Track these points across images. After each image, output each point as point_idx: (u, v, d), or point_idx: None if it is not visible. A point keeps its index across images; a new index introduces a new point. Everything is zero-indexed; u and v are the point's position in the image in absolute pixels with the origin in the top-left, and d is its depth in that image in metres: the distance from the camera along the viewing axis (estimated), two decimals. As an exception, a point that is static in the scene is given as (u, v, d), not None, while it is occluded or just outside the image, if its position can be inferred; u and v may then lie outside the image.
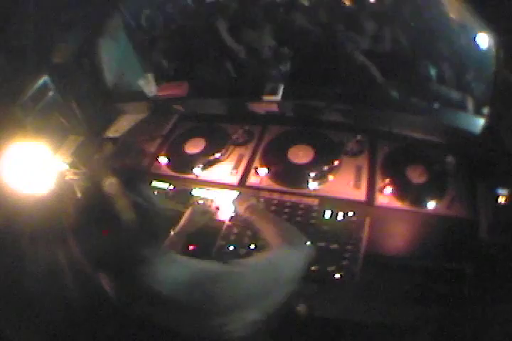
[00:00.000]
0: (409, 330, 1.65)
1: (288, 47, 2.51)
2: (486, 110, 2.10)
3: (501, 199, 1.52)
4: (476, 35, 2.38)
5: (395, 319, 1.53)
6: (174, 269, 0.96)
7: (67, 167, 1.99)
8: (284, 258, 1.11)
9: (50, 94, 2.02)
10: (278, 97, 2.01)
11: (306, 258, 1.16)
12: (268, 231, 1.31)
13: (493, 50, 1.53)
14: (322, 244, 1.53)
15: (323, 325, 1.45)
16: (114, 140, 2.21)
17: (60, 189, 1.95)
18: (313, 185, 1.75)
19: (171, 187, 1.88)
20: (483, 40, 2.47)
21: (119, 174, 0.98)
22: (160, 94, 2.24)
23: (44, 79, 1.98)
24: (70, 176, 2.01)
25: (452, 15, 2.62)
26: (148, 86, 2.20)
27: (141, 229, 0.91)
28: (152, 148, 2.10)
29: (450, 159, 1.77)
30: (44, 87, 1.99)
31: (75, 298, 1.18)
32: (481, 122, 1.83)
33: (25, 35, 1.93)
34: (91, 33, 2.28)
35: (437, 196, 1.66)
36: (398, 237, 1.59)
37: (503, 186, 1.53)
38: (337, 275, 1.43)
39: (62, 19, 2.07)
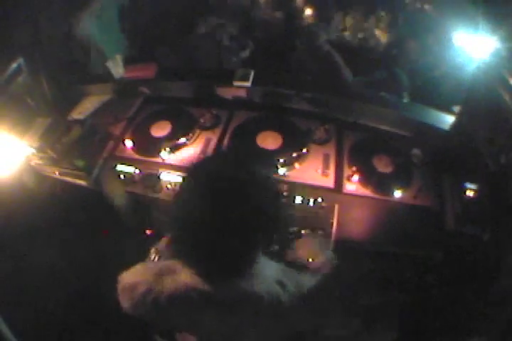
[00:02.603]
0: (377, 314, 1.67)
1: (259, 35, 2.48)
2: (456, 108, 2.13)
3: (469, 193, 1.59)
4: (452, 33, 2.42)
5: (363, 303, 1.57)
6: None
7: (33, 151, 1.88)
8: None
9: (23, 76, 1.92)
10: (248, 83, 1.99)
11: None
12: None
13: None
14: (294, 229, 1.53)
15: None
16: (80, 122, 2.10)
17: (24, 174, 1.90)
18: (282, 170, 1.74)
19: (137, 171, 1.81)
20: (461, 39, 2.50)
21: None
22: (127, 75, 2.16)
23: (19, 61, 1.87)
24: (36, 161, 1.92)
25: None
26: (116, 67, 2.11)
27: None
28: (117, 131, 2.02)
29: (416, 151, 1.81)
30: (18, 70, 1.88)
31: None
32: (449, 119, 1.87)
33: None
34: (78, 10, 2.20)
35: (403, 186, 1.69)
36: (367, 224, 1.61)
37: (471, 181, 1.60)
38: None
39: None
